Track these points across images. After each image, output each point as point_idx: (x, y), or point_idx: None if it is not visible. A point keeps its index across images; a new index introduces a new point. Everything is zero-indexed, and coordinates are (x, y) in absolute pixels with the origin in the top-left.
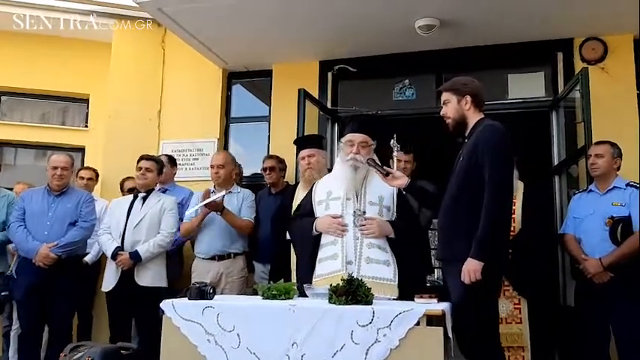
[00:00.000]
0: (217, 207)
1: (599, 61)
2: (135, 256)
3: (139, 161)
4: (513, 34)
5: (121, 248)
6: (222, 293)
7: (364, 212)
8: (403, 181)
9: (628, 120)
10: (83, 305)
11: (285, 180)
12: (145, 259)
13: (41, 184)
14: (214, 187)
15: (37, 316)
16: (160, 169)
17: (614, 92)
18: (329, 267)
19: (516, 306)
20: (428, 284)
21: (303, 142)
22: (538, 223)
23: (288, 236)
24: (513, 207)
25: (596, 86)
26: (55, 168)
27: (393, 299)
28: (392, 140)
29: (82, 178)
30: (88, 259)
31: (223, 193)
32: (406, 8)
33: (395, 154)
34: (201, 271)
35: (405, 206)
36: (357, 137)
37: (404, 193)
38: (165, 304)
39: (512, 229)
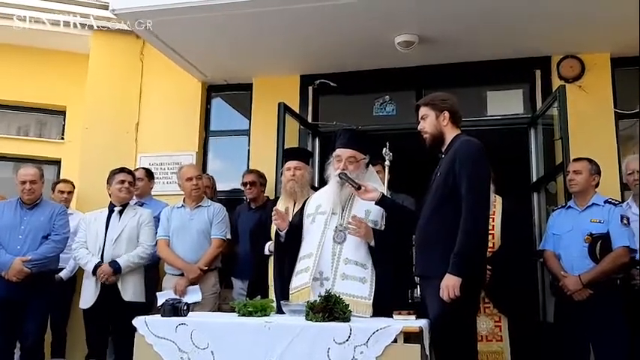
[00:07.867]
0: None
1: (577, 79)
2: (114, 265)
3: (115, 173)
4: (492, 52)
5: (101, 264)
6: (193, 310)
7: (346, 228)
8: (375, 194)
9: (606, 137)
10: (57, 322)
11: (265, 195)
12: (125, 269)
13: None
14: (183, 200)
15: (7, 332)
16: (133, 182)
17: (592, 109)
18: (301, 280)
19: (497, 324)
20: (410, 300)
21: (292, 153)
22: (517, 239)
23: (266, 251)
24: (492, 222)
25: (574, 104)
26: (24, 182)
27: (367, 317)
28: (384, 149)
29: (62, 192)
30: (63, 274)
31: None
32: (385, 24)
33: (387, 163)
34: (172, 287)
35: (394, 221)
36: (345, 153)
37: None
38: (138, 321)
39: (491, 245)
